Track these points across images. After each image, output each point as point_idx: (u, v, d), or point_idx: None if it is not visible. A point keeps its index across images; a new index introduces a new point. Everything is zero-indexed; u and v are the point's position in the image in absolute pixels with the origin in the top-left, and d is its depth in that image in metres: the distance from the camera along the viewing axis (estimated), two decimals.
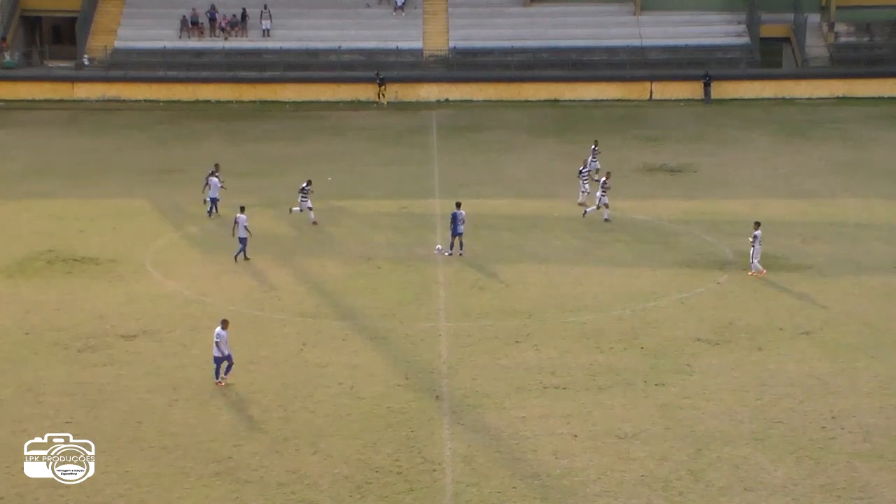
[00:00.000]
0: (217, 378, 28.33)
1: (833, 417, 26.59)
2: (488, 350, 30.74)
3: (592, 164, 49.52)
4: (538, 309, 34.00)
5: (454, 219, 38.83)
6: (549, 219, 44.51)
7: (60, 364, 29.71)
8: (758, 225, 36.95)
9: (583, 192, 45.78)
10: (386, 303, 34.59)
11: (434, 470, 24.13)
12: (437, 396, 27.78)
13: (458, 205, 39.18)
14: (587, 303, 34.66)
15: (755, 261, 36.92)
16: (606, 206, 43.32)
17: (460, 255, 39.05)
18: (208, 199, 43.96)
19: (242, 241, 38.27)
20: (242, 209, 38.72)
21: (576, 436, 25.62)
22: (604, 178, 43.84)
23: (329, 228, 43.08)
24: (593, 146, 51.02)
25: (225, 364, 28.26)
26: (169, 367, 29.49)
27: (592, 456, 24.67)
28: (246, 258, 38.40)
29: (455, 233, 39.11)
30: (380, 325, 32.65)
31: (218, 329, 28.08)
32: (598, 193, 43.48)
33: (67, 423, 25.90)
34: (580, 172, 46.38)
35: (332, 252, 40.13)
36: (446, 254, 39.20)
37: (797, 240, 40.93)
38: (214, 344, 28.08)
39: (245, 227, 38.18)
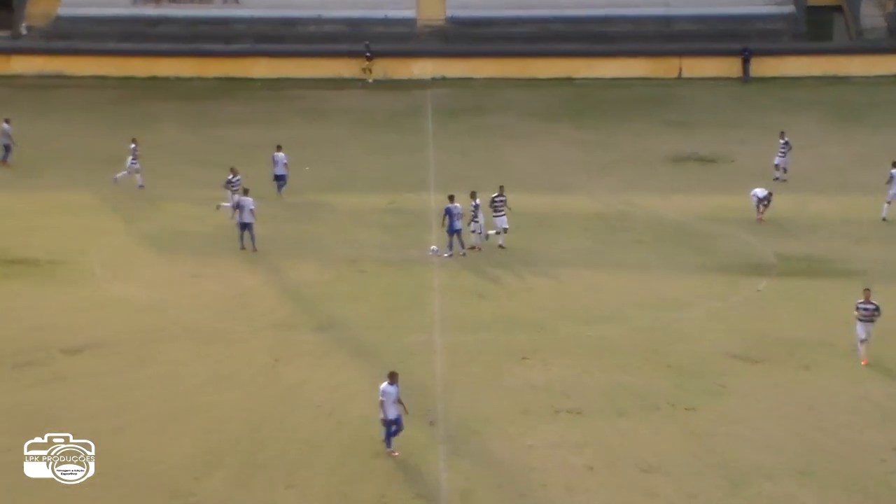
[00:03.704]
0: (388, 446, 26.00)
1: (893, 449, 26.58)
2: (490, 367, 30.75)
3: (781, 160, 48.63)
4: (547, 320, 34.02)
5: (449, 214, 38.87)
6: (561, 216, 44.56)
7: None
8: (868, 291, 31.54)
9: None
10: (372, 312, 34.60)
11: None
12: (430, 421, 27.77)
13: (452, 198, 39.23)
14: (604, 313, 34.69)
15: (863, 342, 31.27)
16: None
17: (462, 254, 39.10)
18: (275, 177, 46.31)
19: (246, 226, 39.58)
20: (246, 191, 40.15)
21: (592, 468, 25.62)
22: None
23: (306, 226, 43.07)
24: (781, 139, 49.01)
25: (394, 428, 25.98)
26: (118, 387, 29.44)
27: (611, 491, 24.66)
28: (254, 249, 39.69)
29: (451, 231, 39.13)
30: (365, 338, 32.65)
31: (383, 385, 25.86)
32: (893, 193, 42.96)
33: None
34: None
35: (310, 253, 40.14)
36: (445, 255, 39.22)
37: (848, 241, 40.94)
38: (379, 403, 25.93)
39: (251, 210, 39.43)
